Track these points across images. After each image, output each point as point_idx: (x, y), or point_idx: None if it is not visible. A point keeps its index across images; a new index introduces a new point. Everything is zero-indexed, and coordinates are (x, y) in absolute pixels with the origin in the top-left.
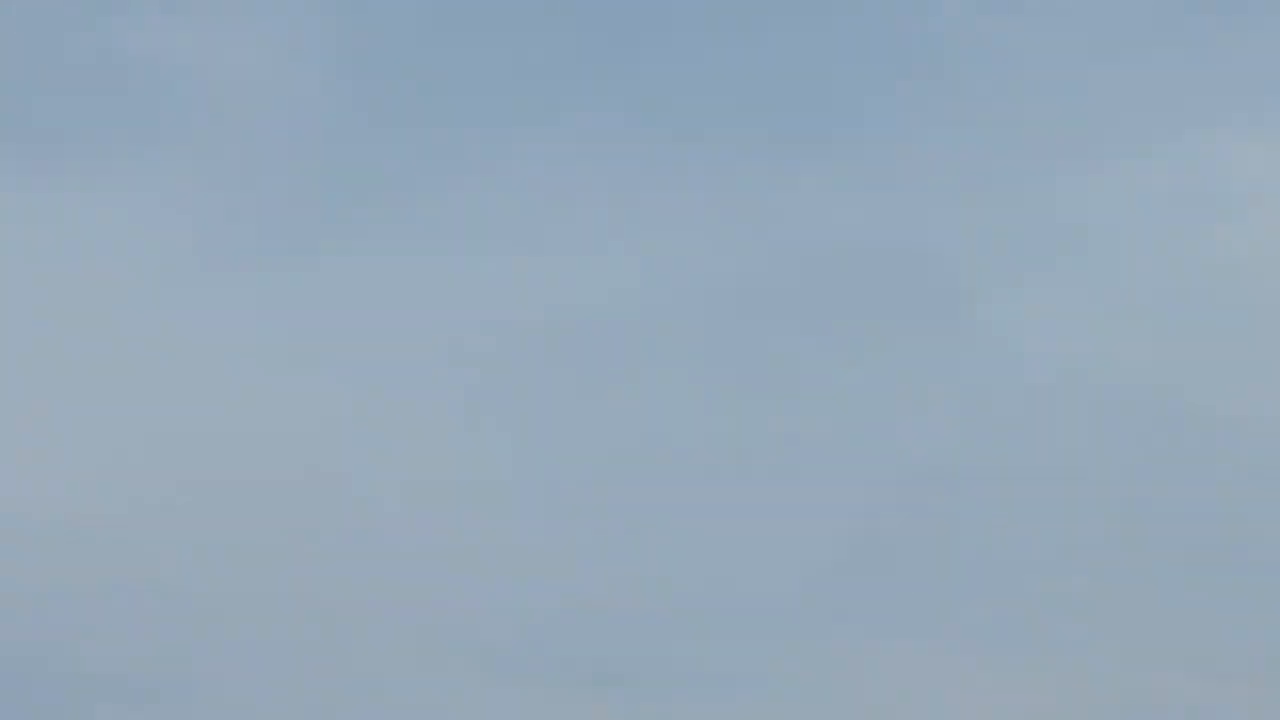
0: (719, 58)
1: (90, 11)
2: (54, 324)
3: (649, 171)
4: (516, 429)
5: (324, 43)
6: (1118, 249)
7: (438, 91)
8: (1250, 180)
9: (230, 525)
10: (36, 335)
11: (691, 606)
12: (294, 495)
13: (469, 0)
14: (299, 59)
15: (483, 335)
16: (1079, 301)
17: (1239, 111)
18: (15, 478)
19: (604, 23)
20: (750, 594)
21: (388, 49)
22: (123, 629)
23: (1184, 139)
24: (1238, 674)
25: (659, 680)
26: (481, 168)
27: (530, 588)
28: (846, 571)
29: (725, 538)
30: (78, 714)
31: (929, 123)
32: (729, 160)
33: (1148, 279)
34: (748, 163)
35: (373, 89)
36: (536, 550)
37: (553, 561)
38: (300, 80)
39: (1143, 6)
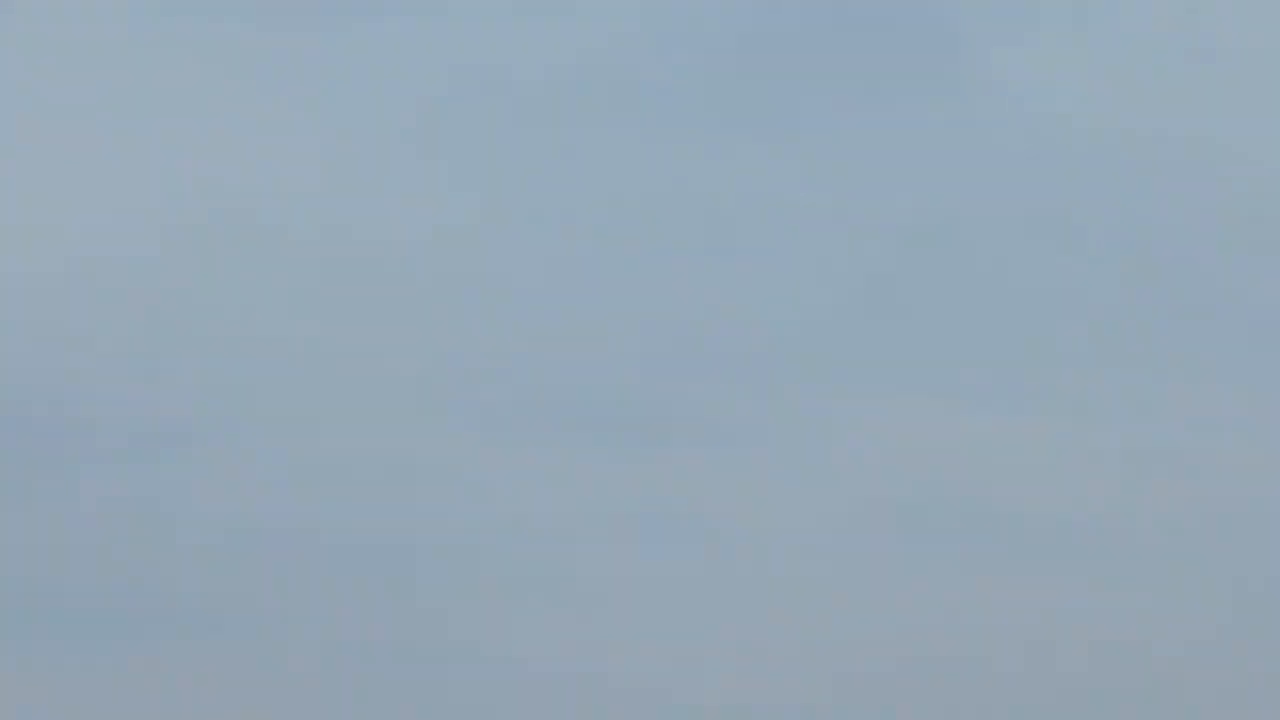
0: None
1: None
2: (47, 84)
3: None
4: (513, 179)
5: None
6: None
7: None
8: None
9: (226, 275)
10: (33, 95)
11: (688, 356)
12: (293, 246)
13: None
14: None
15: (481, 89)
16: (1083, 53)
17: None
18: (18, 226)
19: None
20: (748, 345)
21: None
22: (128, 378)
23: None
24: (1240, 427)
25: (656, 430)
26: None
27: (525, 336)
28: (848, 323)
29: (723, 287)
30: (77, 463)
31: None
32: None
33: (1153, 31)
34: None
35: None
36: (530, 298)
37: (549, 311)
38: None
39: None
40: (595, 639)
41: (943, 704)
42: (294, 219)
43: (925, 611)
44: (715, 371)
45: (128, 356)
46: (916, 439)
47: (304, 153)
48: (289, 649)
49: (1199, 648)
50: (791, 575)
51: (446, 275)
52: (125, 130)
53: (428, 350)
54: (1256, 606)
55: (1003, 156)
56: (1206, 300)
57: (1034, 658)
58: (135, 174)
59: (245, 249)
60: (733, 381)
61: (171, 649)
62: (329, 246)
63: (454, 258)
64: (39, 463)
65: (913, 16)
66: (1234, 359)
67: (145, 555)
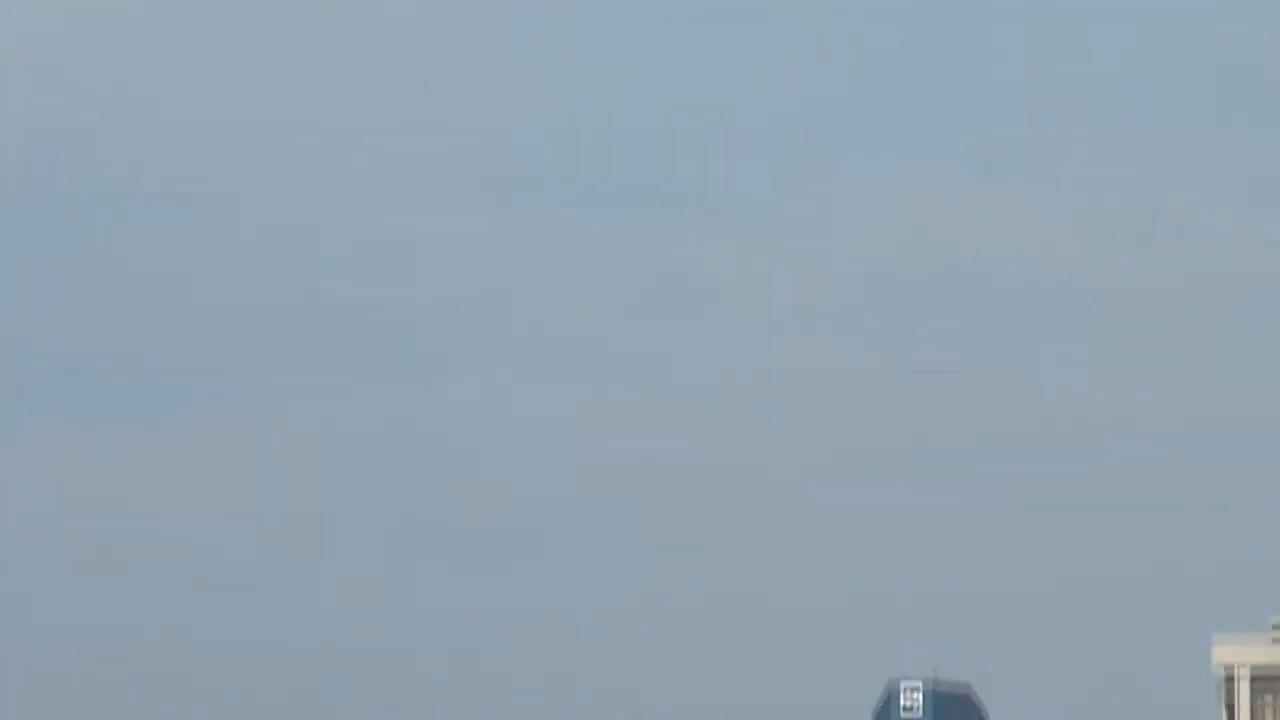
0: None
1: None
2: None
3: None
4: None
5: None
6: None
7: None
8: None
9: (231, 53)
10: None
11: (692, 132)
12: (296, 29)
13: None
14: None
15: None
16: None
17: None
18: None
19: None
20: (752, 120)
21: None
22: (137, 149)
23: None
24: (1247, 198)
25: (658, 202)
26: None
27: (530, 112)
28: (847, 98)
29: (727, 64)
30: (94, 235)
31: None
32: None
33: None
34: None
35: None
36: (534, 76)
37: (554, 89)
38: None
39: None
40: (594, 409)
41: (942, 464)
42: None
43: (927, 375)
44: (719, 145)
45: (137, 126)
46: (918, 208)
47: None
48: (294, 414)
49: (1202, 412)
50: (793, 342)
51: (447, 52)
52: None
53: (431, 125)
54: (1260, 375)
55: None
56: (1212, 74)
57: (1036, 422)
58: None
59: (258, 37)
60: (736, 155)
61: (182, 412)
62: (333, 30)
63: (454, 37)
64: (61, 231)
65: None
66: (1242, 131)
67: (160, 319)
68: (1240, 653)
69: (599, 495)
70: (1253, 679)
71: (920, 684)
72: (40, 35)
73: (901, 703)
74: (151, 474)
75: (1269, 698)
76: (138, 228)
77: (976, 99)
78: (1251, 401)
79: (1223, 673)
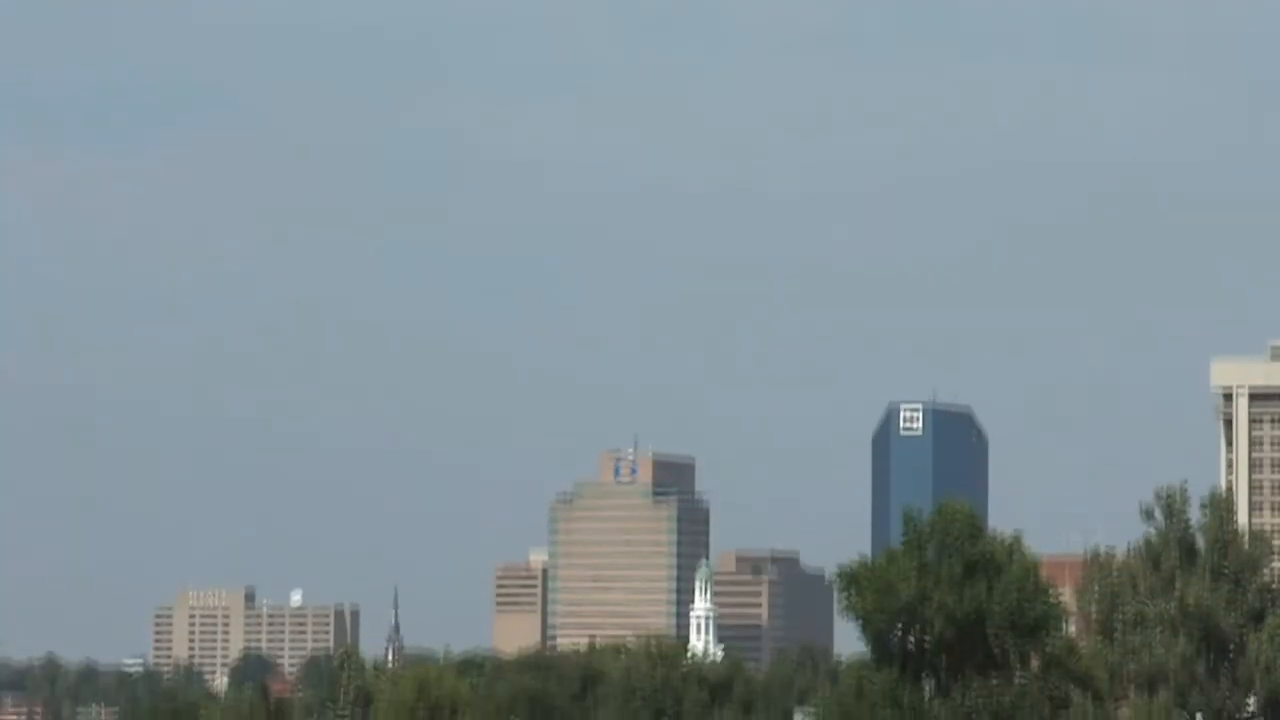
0: None
1: None
2: None
3: None
4: None
5: None
6: None
7: None
8: None
9: None
10: None
11: None
12: None
13: None
14: None
15: None
16: None
17: None
18: None
19: None
20: None
21: None
22: None
23: None
24: None
25: None
26: None
27: None
28: None
29: None
30: None
31: None
32: None
33: None
34: None
35: None
36: None
37: None
38: None
39: None
40: (600, 131)
41: (945, 189)
42: None
43: (929, 98)
44: None
45: None
46: None
47: None
48: (305, 136)
49: (1207, 136)
50: (795, 65)
51: None
52: None
53: None
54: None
55: None
56: None
57: (1035, 146)
58: None
59: None
60: None
61: (176, 129)
62: None
63: None
64: None
65: None
66: None
67: (155, 38)
68: (1238, 373)
69: (601, 221)
70: (1250, 398)
71: (920, 405)
72: None
73: (901, 422)
74: (145, 191)
75: (1266, 417)
76: None
77: None
78: (1261, 124)
79: (1221, 392)
